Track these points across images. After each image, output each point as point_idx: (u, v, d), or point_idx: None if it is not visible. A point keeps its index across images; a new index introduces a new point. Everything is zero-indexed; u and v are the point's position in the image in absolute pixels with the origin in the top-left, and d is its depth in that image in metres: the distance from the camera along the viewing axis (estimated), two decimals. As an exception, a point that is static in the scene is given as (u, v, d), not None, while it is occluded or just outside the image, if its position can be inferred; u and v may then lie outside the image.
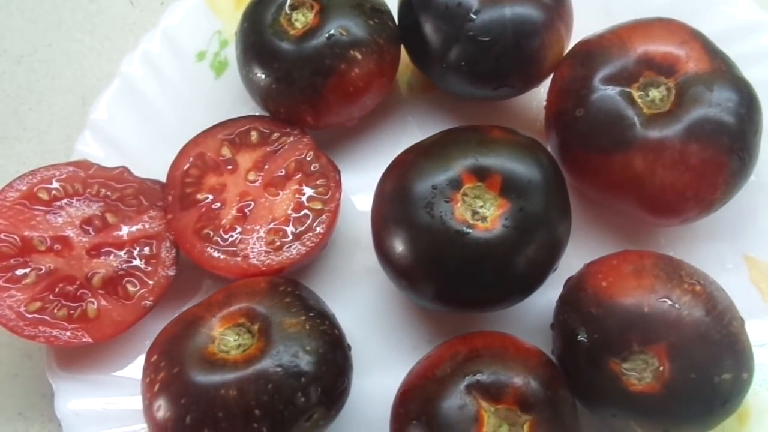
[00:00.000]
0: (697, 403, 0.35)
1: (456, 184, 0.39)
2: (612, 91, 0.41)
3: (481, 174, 0.39)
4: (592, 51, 0.43)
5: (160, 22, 0.53)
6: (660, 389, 0.35)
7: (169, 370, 0.37)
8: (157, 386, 0.37)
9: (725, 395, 0.35)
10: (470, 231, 0.38)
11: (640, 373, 0.36)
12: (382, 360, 0.45)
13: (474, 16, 0.43)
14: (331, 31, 0.44)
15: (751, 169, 0.41)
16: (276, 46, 0.45)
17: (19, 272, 0.42)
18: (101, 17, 0.60)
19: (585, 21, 0.47)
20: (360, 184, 0.49)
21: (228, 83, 0.53)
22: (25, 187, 0.44)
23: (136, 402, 0.43)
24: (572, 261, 0.42)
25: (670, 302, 0.36)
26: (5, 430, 0.47)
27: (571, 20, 0.46)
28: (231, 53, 0.53)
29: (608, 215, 0.47)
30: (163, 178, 0.47)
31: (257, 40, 0.46)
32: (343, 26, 0.44)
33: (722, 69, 0.41)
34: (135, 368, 0.45)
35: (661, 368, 0.35)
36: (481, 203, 0.39)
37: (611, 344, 0.36)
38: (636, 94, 0.41)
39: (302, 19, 0.45)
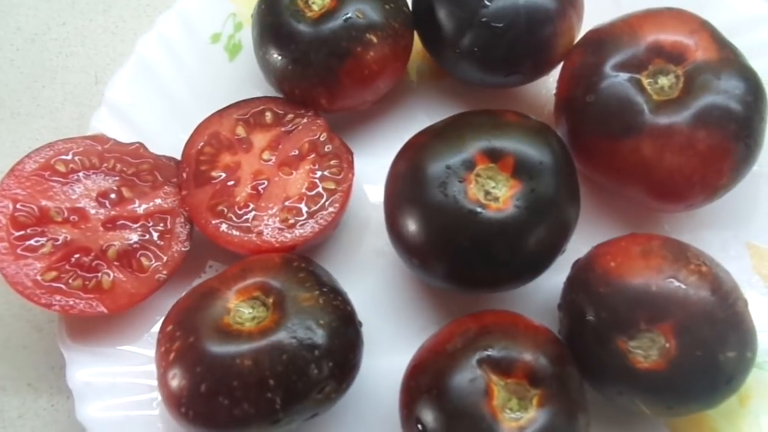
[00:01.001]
0: (701, 380, 0.36)
1: (469, 165, 0.40)
2: (622, 78, 0.42)
3: (494, 155, 0.40)
4: (603, 39, 0.44)
5: (176, 4, 0.54)
6: (666, 366, 0.36)
7: (184, 340, 0.38)
8: (172, 355, 0.38)
9: (729, 373, 0.36)
10: (483, 210, 0.39)
11: (647, 350, 0.37)
12: (392, 339, 0.45)
13: (488, 3, 0.44)
14: (348, 14, 0.45)
15: (756, 156, 0.42)
16: (293, 27, 0.45)
17: (36, 242, 0.42)
18: (115, -3, 0.60)
19: (593, 11, 0.48)
20: (370, 168, 0.50)
21: (241, 66, 0.54)
22: (43, 159, 0.44)
23: (147, 374, 0.43)
24: (579, 245, 0.43)
25: (677, 282, 0.37)
26: (14, 401, 0.47)
27: (583, 9, 0.47)
28: (245, 36, 0.54)
29: (614, 201, 0.48)
30: (177, 156, 0.48)
31: (274, 21, 0.46)
32: (359, 9, 0.45)
33: (730, 58, 0.42)
34: (145, 341, 0.46)
35: (667, 346, 0.36)
36: (493, 184, 0.40)
37: (619, 323, 0.37)
38: (645, 81, 0.42)
39: (319, 2, 0.46)
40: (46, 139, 0.55)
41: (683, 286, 0.36)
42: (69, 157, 0.44)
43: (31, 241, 0.42)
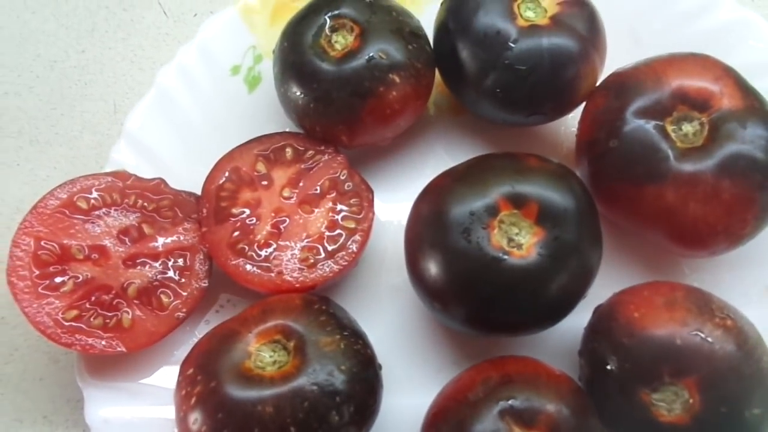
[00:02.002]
0: (725, 436, 0.36)
1: (493, 211, 0.40)
2: (646, 124, 0.42)
3: (517, 201, 0.40)
4: (626, 83, 0.44)
5: (197, 35, 0.54)
6: (689, 421, 0.36)
7: (205, 384, 0.38)
8: (193, 399, 0.38)
9: (754, 430, 0.36)
10: (506, 258, 0.39)
11: (670, 404, 0.36)
12: (408, 379, 0.45)
13: (512, 45, 0.44)
14: (371, 54, 0.45)
15: (780, 206, 0.42)
16: (316, 66, 0.45)
17: (58, 280, 0.42)
18: (135, 26, 0.61)
19: (614, 49, 0.48)
20: (389, 203, 0.50)
21: (261, 98, 0.54)
22: (65, 196, 0.44)
23: (164, 411, 0.43)
24: (599, 288, 0.43)
25: (702, 336, 0.36)
26: (30, 434, 0.47)
27: (605, 51, 0.47)
28: (264, 69, 0.54)
29: (633, 243, 0.48)
30: (194, 189, 0.48)
31: (297, 59, 0.46)
32: (383, 50, 0.45)
33: (755, 106, 0.42)
34: (162, 377, 0.46)
35: (691, 401, 0.36)
36: (516, 230, 0.40)
37: (643, 374, 0.37)
38: (670, 128, 0.42)
39: (342, 41, 0.46)
40: (64, 168, 0.56)
41: (709, 340, 0.36)
42: (91, 194, 0.45)
43: (53, 280, 0.42)
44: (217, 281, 0.47)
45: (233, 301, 0.48)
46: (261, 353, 0.39)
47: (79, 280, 0.43)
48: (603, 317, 0.40)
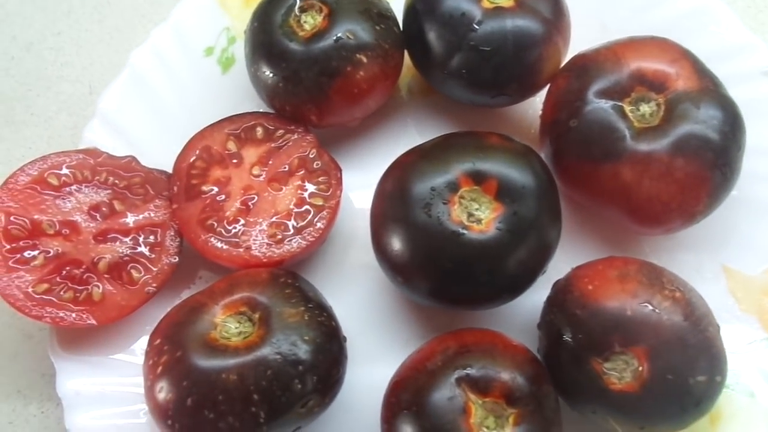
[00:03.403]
0: (672, 402, 0.37)
1: (454, 187, 0.41)
2: (605, 104, 0.43)
3: (478, 178, 0.41)
4: (588, 65, 0.45)
5: (171, 17, 0.55)
6: (638, 389, 0.37)
7: (171, 354, 0.39)
8: (159, 369, 0.39)
9: (699, 396, 0.37)
10: (465, 232, 0.40)
11: (621, 372, 0.38)
12: (376, 352, 0.47)
13: (476, 27, 0.45)
14: (339, 35, 0.46)
15: (732, 184, 0.43)
16: (285, 46, 0.46)
17: (28, 254, 0.43)
18: (111, 8, 0.61)
19: (581, 34, 0.49)
20: (359, 183, 0.50)
21: (234, 79, 0.54)
22: (36, 172, 0.45)
23: (135, 383, 0.44)
24: (560, 264, 0.44)
25: (651, 307, 0.38)
26: (5, 407, 0.48)
27: (569, 34, 0.48)
28: (238, 50, 0.55)
29: (596, 222, 0.49)
30: (168, 169, 0.49)
31: (266, 39, 0.47)
32: (350, 30, 0.46)
33: (710, 88, 0.43)
34: (134, 351, 0.47)
35: (640, 369, 0.37)
36: (476, 206, 0.41)
37: (594, 344, 0.38)
38: (627, 108, 0.43)
39: (311, 22, 0.47)
40: (39, 148, 0.56)
41: (657, 311, 0.38)
42: (62, 170, 0.45)
43: (23, 254, 0.43)
44: (194, 259, 0.48)
45: (206, 277, 0.49)
46: (227, 324, 0.40)
47: (50, 254, 0.44)
48: (560, 291, 0.42)
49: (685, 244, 0.49)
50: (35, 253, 0.43)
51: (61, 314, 0.42)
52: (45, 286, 0.43)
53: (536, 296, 0.44)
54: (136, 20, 0.60)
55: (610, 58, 0.44)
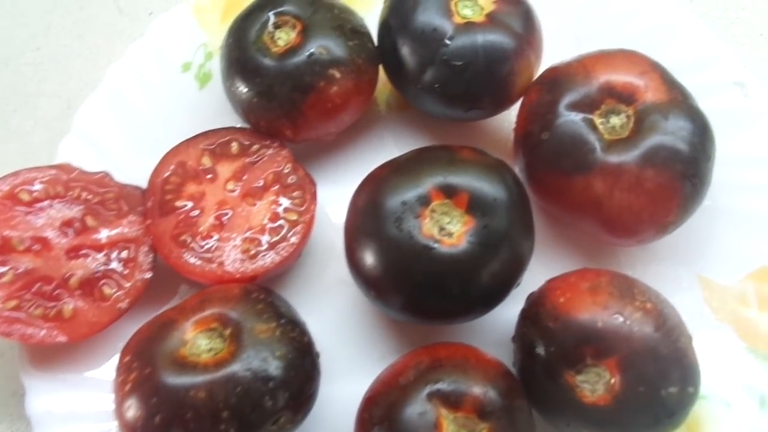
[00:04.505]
0: (645, 414, 0.37)
1: (425, 201, 0.41)
2: (575, 116, 0.44)
3: (449, 191, 0.41)
4: (559, 78, 0.45)
5: (148, 33, 0.55)
6: (611, 401, 0.37)
7: (140, 371, 0.38)
8: (128, 386, 0.38)
9: (672, 408, 0.37)
10: (436, 246, 0.40)
11: (593, 385, 0.38)
12: (350, 368, 0.46)
13: (448, 42, 0.45)
14: (312, 50, 0.46)
15: (703, 195, 0.44)
16: (258, 62, 0.47)
17: (-3, 271, 0.43)
18: (90, 24, 0.61)
19: (556, 47, 0.50)
20: (335, 197, 0.50)
21: (211, 94, 0.55)
22: (6, 188, 0.45)
23: (107, 401, 0.44)
24: (535, 277, 0.44)
25: (622, 318, 0.38)
26: (-25, 427, 0.48)
27: (541, 48, 0.49)
28: (215, 66, 0.55)
29: (571, 234, 0.49)
30: (144, 184, 0.48)
31: (241, 55, 0.47)
32: (323, 46, 0.46)
33: (678, 99, 0.43)
34: (107, 368, 0.46)
35: (613, 381, 0.37)
36: (448, 219, 0.41)
37: (567, 357, 0.38)
38: (598, 120, 0.43)
39: (285, 38, 0.47)
40: (15, 163, 0.55)
41: (628, 323, 0.38)
42: (33, 186, 0.45)
43: (-8, 271, 0.43)
44: (173, 274, 0.47)
45: (184, 293, 0.49)
46: (197, 341, 0.40)
47: (20, 270, 0.43)
48: (533, 303, 0.42)
49: (660, 254, 0.49)
50: (4, 269, 0.43)
51: (30, 331, 0.42)
52: (14, 302, 0.42)
53: (511, 309, 0.44)
54: (114, 36, 0.61)
55: (581, 71, 0.45)
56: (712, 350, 0.46)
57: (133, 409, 0.38)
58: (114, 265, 0.45)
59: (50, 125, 0.58)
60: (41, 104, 0.58)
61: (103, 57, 0.60)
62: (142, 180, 0.49)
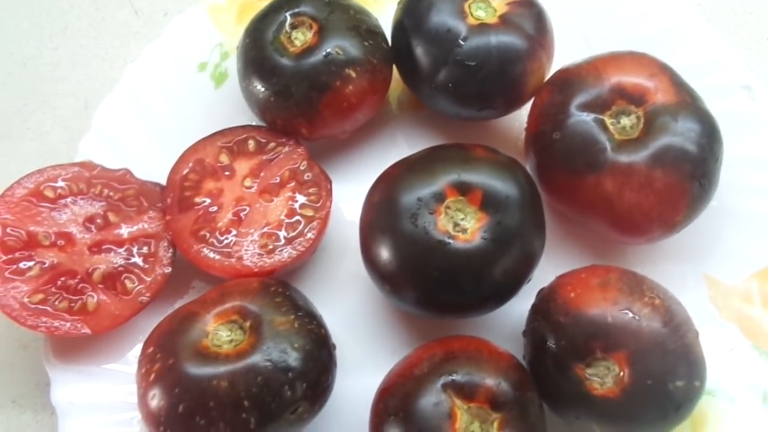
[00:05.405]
0: (652, 407, 0.38)
1: (440, 198, 0.42)
2: (587, 117, 0.45)
3: (463, 189, 0.42)
4: (570, 79, 0.46)
5: (165, 34, 0.56)
6: (619, 394, 0.38)
7: (164, 362, 0.40)
8: (152, 376, 0.39)
9: (679, 401, 0.38)
10: (451, 241, 0.41)
11: (602, 378, 0.39)
12: (364, 360, 0.47)
13: (462, 42, 0.47)
14: (328, 50, 0.47)
15: (711, 195, 0.45)
16: (275, 61, 0.48)
17: (24, 265, 0.44)
18: (106, 25, 0.62)
19: (567, 49, 0.51)
20: (350, 194, 0.51)
21: (227, 93, 0.56)
22: (32, 185, 0.46)
23: (129, 392, 0.45)
24: (545, 273, 0.45)
25: (631, 314, 0.39)
26: (-1, 417, 0.49)
27: (553, 49, 0.50)
28: (231, 65, 0.56)
29: (581, 232, 0.50)
30: (162, 181, 0.50)
31: (258, 55, 0.48)
32: (339, 46, 0.47)
33: (687, 101, 0.44)
34: (128, 360, 0.47)
35: (621, 374, 0.38)
36: (462, 216, 0.42)
37: (577, 351, 0.39)
38: (608, 120, 0.44)
39: (301, 38, 0.48)
40: (35, 162, 0.57)
41: (637, 318, 0.39)
42: (57, 183, 0.46)
43: (19, 265, 0.44)
44: (188, 270, 0.49)
45: (198, 287, 0.50)
46: (218, 332, 0.41)
47: (45, 265, 0.45)
48: (544, 298, 0.43)
49: (668, 253, 0.50)
50: (31, 263, 0.44)
51: (56, 324, 0.43)
52: (40, 296, 0.44)
53: (522, 304, 0.45)
54: (130, 37, 0.62)
55: (592, 72, 0.46)
56: (717, 347, 0.47)
57: (156, 399, 0.39)
58: (135, 259, 0.46)
59: (68, 124, 0.59)
60: (59, 103, 0.59)
61: (119, 57, 0.61)
62: (159, 177, 0.50)
